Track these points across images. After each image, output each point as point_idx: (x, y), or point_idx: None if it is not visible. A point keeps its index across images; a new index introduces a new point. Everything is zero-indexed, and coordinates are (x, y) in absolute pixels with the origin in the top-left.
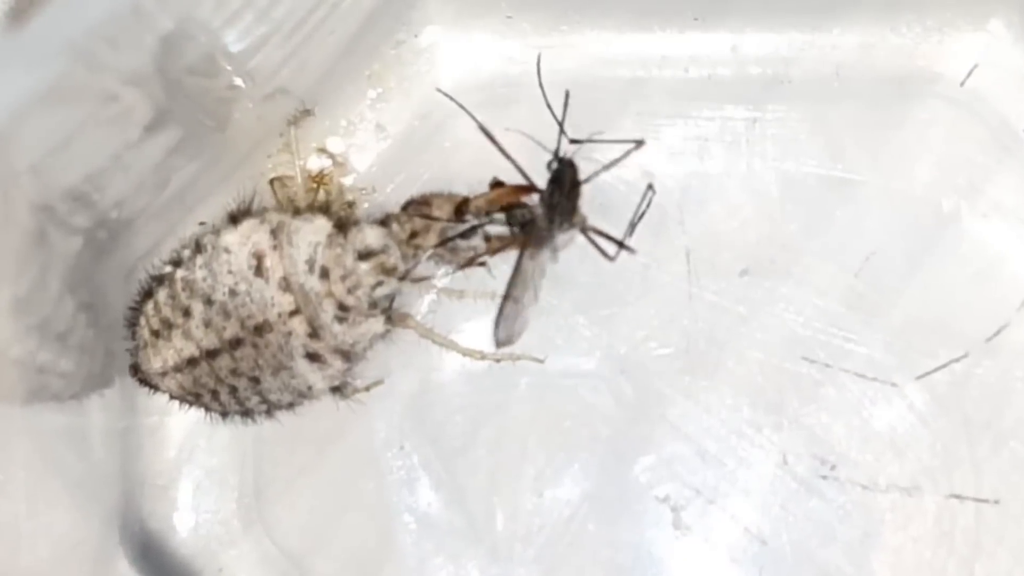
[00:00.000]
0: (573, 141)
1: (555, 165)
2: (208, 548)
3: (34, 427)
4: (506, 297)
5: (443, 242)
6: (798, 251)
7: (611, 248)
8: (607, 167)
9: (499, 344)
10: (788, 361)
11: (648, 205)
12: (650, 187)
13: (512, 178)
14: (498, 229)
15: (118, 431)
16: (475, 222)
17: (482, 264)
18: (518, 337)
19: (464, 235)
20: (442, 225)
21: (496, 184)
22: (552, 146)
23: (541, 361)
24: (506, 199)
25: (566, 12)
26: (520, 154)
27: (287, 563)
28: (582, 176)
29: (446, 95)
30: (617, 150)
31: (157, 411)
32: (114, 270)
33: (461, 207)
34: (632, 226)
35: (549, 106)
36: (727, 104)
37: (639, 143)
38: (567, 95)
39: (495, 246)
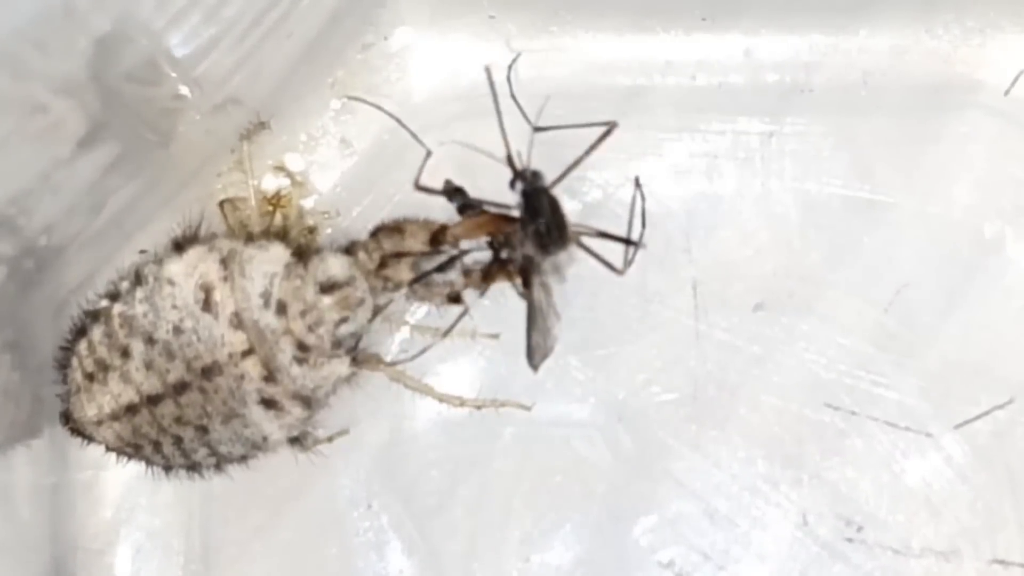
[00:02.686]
0: (538, 129)
1: (520, 186)
2: None
3: None
4: (530, 332)
5: (418, 278)
6: (820, 283)
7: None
8: (579, 161)
9: (536, 366)
10: (809, 408)
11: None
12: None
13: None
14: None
15: (47, 488)
16: (453, 252)
17: (459, 302)
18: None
19: (441, 268)
20: (417, 257)
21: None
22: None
23: (528, 408)
24: (489, 228)
25: (556, 11)
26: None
27: None
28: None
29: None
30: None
31: (92, 465)
32: (42, 305)
33: (438, 236)
34: (633, 244)
35: (520, 107)
36: (740, 116)
37: (611, 125)
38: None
39: (477, 280)
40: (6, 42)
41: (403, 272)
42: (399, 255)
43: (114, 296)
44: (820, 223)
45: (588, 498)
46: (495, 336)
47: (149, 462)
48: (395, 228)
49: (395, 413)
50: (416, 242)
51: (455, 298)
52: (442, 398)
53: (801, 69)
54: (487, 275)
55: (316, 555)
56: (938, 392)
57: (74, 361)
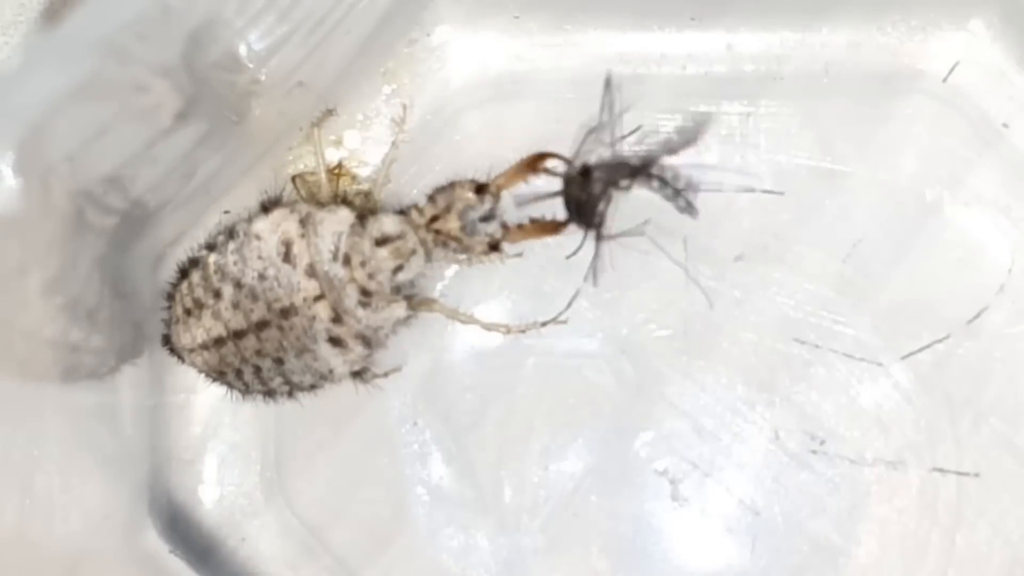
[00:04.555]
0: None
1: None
2: (232, 519)
3: (68, 405)
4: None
5: (464, 226)
6: (790, 239)
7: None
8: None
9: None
10: (780, 342)
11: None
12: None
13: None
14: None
15: (147, 409)
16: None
17: (498, 250)
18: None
19: (485, 219)
20: (464, 205)
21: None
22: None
23: (565, 322)
24: (527, 169)
25: (570, 12)
26: (528, 146)
27: (306, 533)
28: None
29: None
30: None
31: (184, 389)
32: (144, 256)
33: (481, 188)
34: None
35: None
36: (723, 99)
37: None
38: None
39: (515, 233)
40: (113, 37)
41: (452, 222)
42: (448, 205)
43: (211, 247)
44: (789, 188)
45: (596, 417)
46: (519, 255)
47: (231, 386)
48: (448, 184)
49: (436, 346)
50: (464, 191)
51: (495, 247)
52: (489, 327)
53: (774, 60)
54: (523, 229)
55: (370, 464)
56: (887, 329)
57: (176, 297)
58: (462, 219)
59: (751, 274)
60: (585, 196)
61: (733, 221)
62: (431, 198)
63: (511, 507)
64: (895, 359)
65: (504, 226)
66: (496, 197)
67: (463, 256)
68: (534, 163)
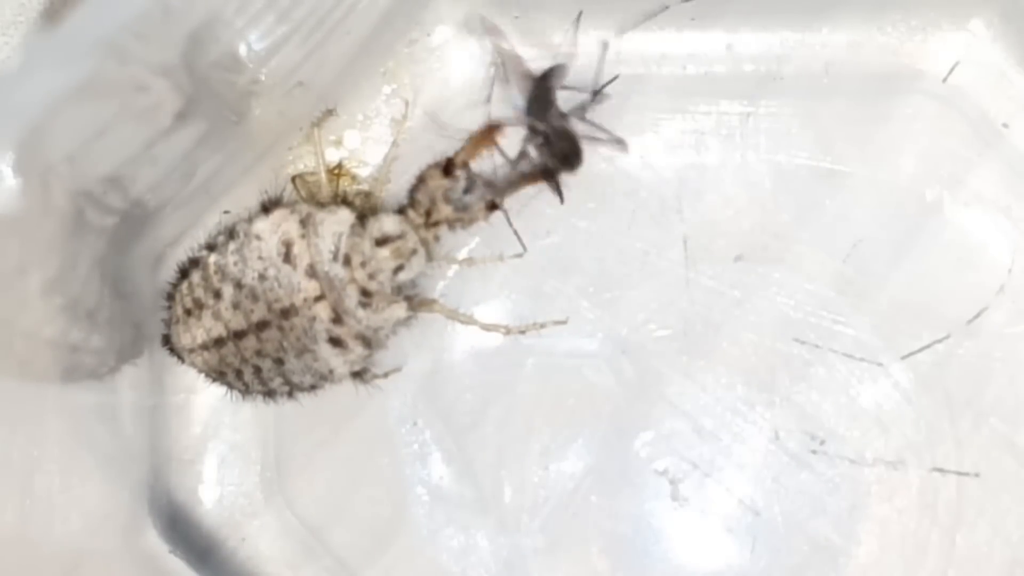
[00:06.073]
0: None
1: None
2: (232, 519)
3: (67, 405)
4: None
5: (457, 206)
6: (790, 239)
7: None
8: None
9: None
10: (780, 342)
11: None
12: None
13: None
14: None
15: (147, 409)
16: (469, 173)
17: (498, 208)
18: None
19: (468, 189)
20: (444, 191)
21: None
22: None
23: (564, 322)
24: (484, 140)
25: (570, 13)
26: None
27: (306, 533)
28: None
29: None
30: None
31: (184, 389)
32: (143, 256)
33: (449, 166)
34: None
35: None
36: (722, 99)
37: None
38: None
39: (503, 186)
40: (114, 37)
41: (443, 209)
42: (432, 197)
43: (211, 247)
44: (789, 189)
45: (596, 417)
46: (520, 255)
47: (231, 387)
48: (418, 180)
49: (436, 347)
50: (436, 179)
51: (493, 206)
52: (489, 328)
53: (773, 60)
54: (511, 182)
55: (370, 464)
56: (888, 329)
57: (176, 297)
58: (450, 202)
59: (751, 274)
60: (538, 95)
61: (733, 221)
62: (413, 199)
63: (511, 507)
64: (895, 359)
65: (489, 183)
66: (466, 166)
67: (470, 230)
68: (489, 134)
